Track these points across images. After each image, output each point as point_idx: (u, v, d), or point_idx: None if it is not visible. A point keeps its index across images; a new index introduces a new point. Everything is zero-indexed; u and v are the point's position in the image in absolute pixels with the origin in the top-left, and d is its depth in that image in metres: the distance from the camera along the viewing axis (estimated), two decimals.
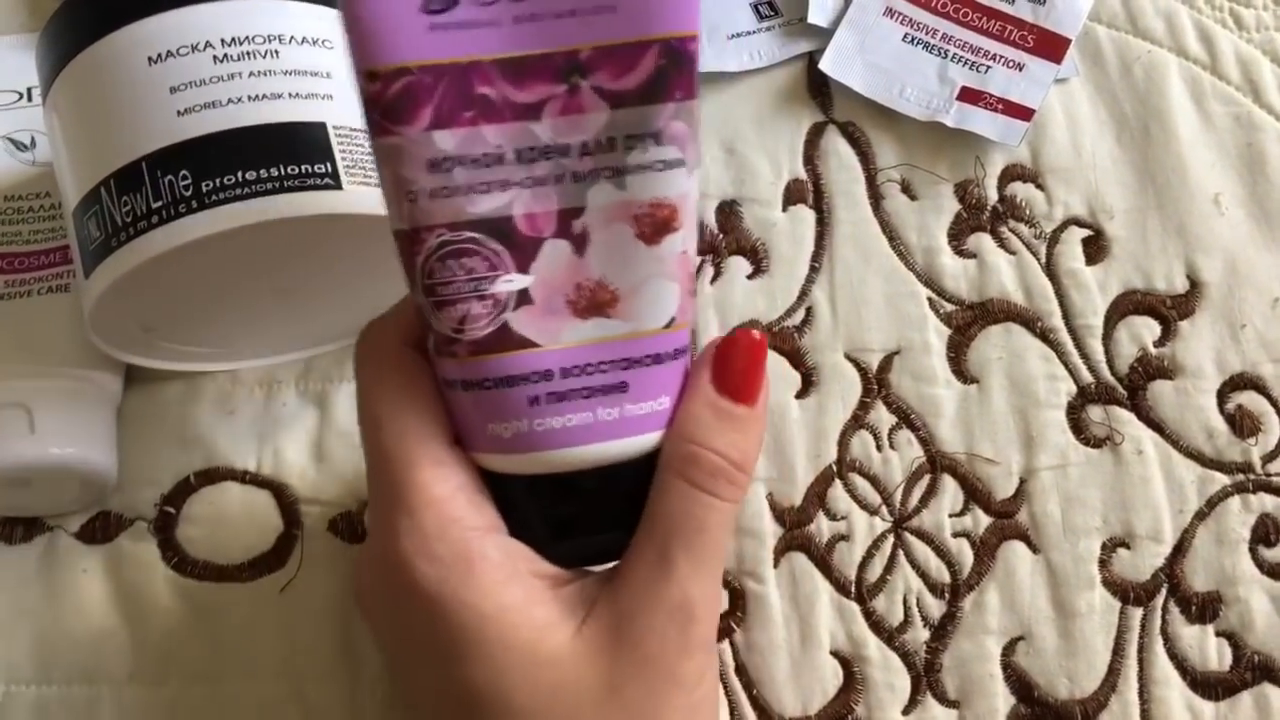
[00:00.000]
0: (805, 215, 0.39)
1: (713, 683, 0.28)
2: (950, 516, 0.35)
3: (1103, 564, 0.34)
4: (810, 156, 0.39)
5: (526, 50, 0.24)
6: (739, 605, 0.34)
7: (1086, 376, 0.36)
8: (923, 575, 0.35)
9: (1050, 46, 0.40)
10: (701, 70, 0.39)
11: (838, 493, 0.35)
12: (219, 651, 0.33)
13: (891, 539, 0.35)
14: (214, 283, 0.31)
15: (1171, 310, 0.37)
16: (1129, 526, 0.35)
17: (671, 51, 0.24)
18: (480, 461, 0.26)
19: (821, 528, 0.35)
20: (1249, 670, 0.34)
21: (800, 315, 0.37)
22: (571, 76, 0.24)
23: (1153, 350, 0.37)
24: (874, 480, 0.35)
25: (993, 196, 0.39)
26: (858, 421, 0.36)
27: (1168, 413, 0.36)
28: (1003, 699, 0.33)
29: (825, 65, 0.40)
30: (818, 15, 0.41)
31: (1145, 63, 0.40)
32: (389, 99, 0.24)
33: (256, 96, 0.29)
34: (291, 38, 0.29)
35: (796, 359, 0.37)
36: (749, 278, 0.38)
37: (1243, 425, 0.36)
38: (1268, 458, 0.35)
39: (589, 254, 0.25)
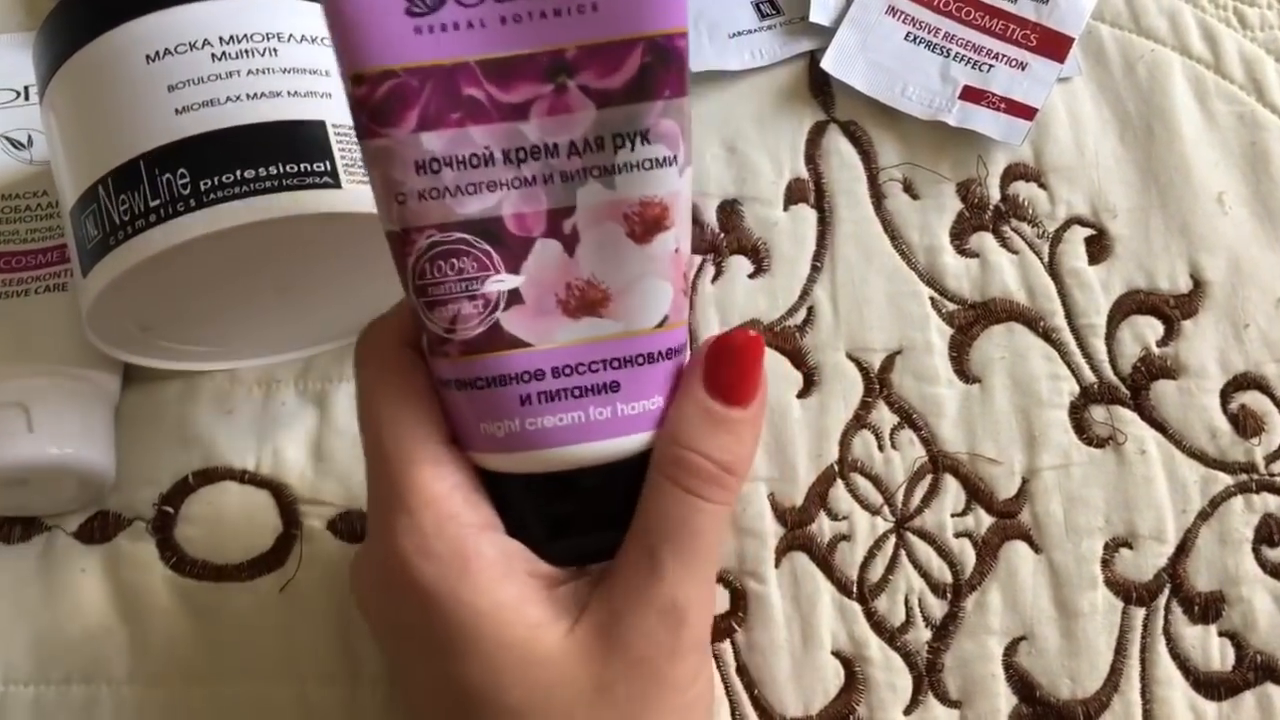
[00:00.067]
0: (807, 214, 0.39)
1: (707, 683, 0.28)
2: (952, 516, 0.35)
3: (1105, 564, 0.34)
4: (812, 155, 0.39)
5: (512, 51, 0.24)
6: (740, 605, 0.34)
7: (1089, 376, 0.36)
8: (924, 575, 0.34)
9: (1053, 45, 0.40)
10: (703, 69, 0.39)
11: (839, 492, 0.35)
12: (218, 651, 0.33)
13: (893, 539, 0.35)
14: (212, 281, 0.31)
15: (1174, 310, 0.37)
16: (1131, 526, 0.35)
17: (658, 49, 0.24)
18: (476, 460, 0.27)
19: (823, 528, 0.35)
20: (1252, 670, 0.33)
21: (802, 314, 0.37)
22: (558, 76, 0.24)
23: (1155, 350, 0.37)
24: (876, 480, 0.35)
25: (995, 196, 0.39)
26: (859, 421, 0.36)
27: (1171, 412, 0.36)
28: (1005, 699, 0.33)
29: (827, 64, 0.40)
30: (819, 14, 0.40)
31: (1148, 61, 0.40)
32: (376, 101, 0.24)
33: (255, 94, 0.28)
34: (290, 35, 0.29)
35: (798, 358, 0.37)
36: (750, 277, 0.38)
37: (1246, 425, 0.36)
38: (1271, 458, 0.35)
39: (579, 253, 0.25)
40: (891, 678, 0.33)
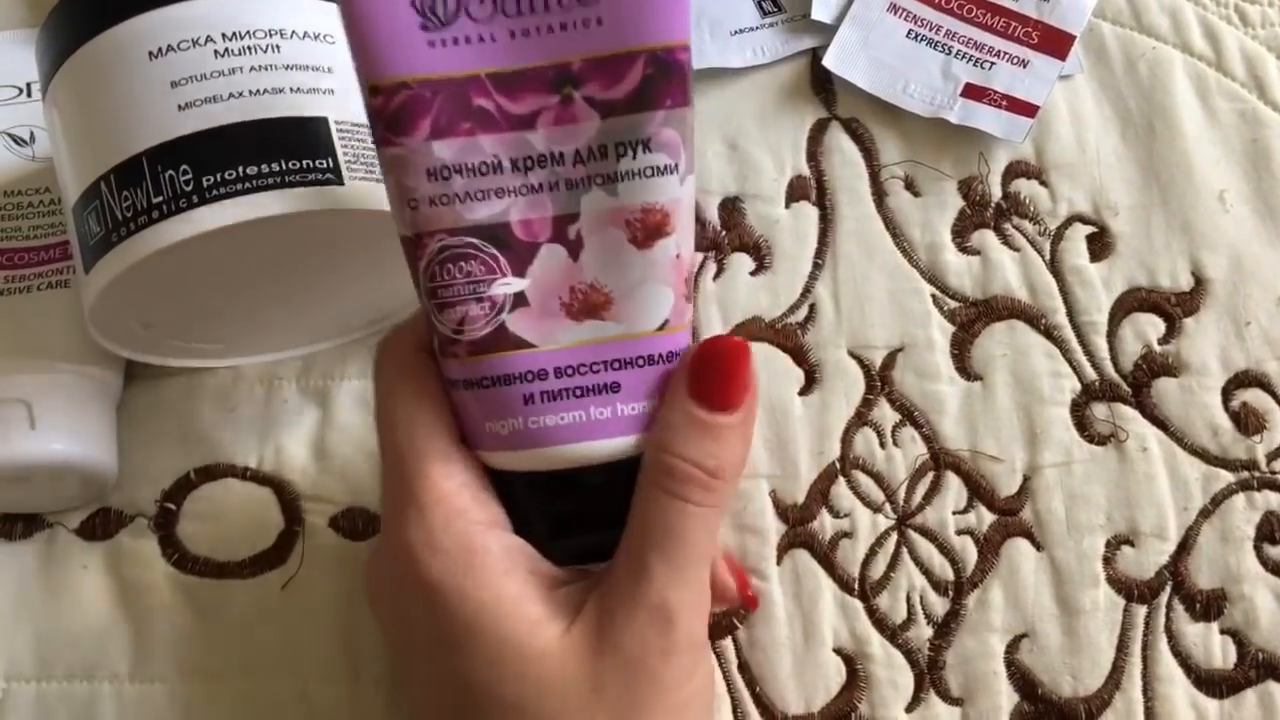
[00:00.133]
0: (808, 212, 0.39)
1: (703, 683, 0.28)
2: (954, 514, 0.35)
3: (1107, 561, 0.34)
4: (813, 153, 0.39)
5: (520, 64, 0.25)
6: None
7: (1091, 373, 0.36)
8: (926, 572, 0.34)
9: (1055, 43, 0.40)
10: (704, 66, 0.39)
11: (841, 490, 0.35)
12: (219, 648, 0.33)
13: (895, 536, 0.35)
14: (215, 278, 0.31)
15: (1176, 307, 0.37)
16: (1133, 524, 0.35)
17: (659, 61, 0.25)
18: (483, 459, 0.27)
19: (825, 525, 0.35)
20: (1253, 668, 0.33)
21: (803, 312, 0.37)
22: (564, 88, 0.25)
23: (1157, 347, 0.37)
24: (877, 477, 0.35)
25: (997, 193, 0.39)
26: (861, 418, 0.36)
27: (1172, 410, 0.36)
28: (1006, 696, 0.33)
29: (829, 61, 0.40)
30: (821, 11, 0.40)
31: (1150, 59, 0.40)
32: (391, 111, 0.25)
33: (257, 91, 0.28)
34: (293, 32, 0.29)
35: (799, 356, 0.37)
36: (752, 274, 0.38)
37: (1247, 422, 0.36)
38: (1272, 455, 0.35)
39: (583, 258, 0.26)
40: (893, 675, 0.33)
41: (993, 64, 0.39)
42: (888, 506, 0.35)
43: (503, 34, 0.25)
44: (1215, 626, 0.34)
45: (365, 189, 0.29)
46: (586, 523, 0.28)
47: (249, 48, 0.29)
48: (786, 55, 0.40)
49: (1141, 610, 0.34)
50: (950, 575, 0.34)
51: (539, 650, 0.26)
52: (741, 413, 0.27)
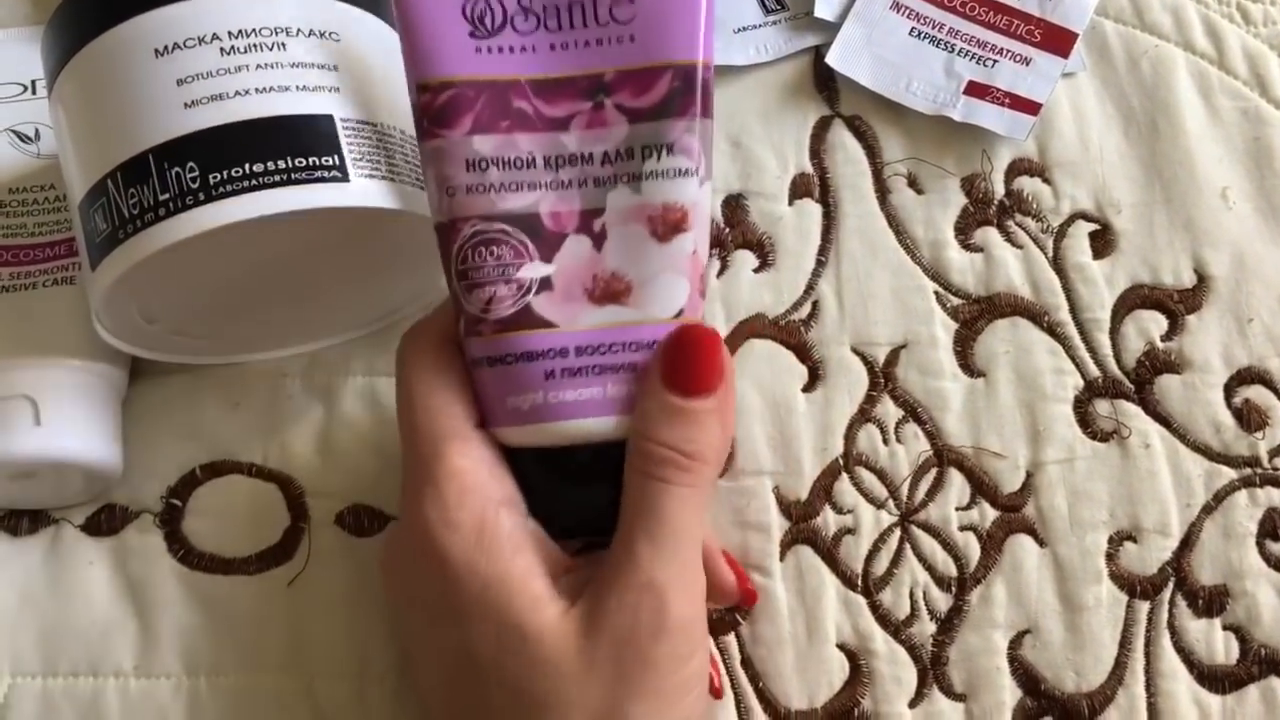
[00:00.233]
0: (811, 209, 0.39)
1: (697, 671, 0.28)
2: (957, 510, 0.35)
3: (1110, 557, 0.34)
4: (817, 150, 0.39)
5: (558, 72, 0.28)
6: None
7: (1093, 370, 0.36)
8: (929, 569, 0.34)
9: (1057, 41, 0.40)
10: None
11: (844, 486, 0.35)
12: (226, 644, 0.33)
13: (898, 532, 0.35)
14: (220, 275, 0.31)
15: (1179, 304, 0.37)
16: (1136, 520, 0.35)
17: (685, 76, 0.28)
18: (499, 436, 0.28)
19: (828, 521, 0.35)
20: (1256, 664, 0.34)
21: (806, 309, 0.37)
22: (597, 95, 0.28)
23: (1160, 344, 0.37)
24: (880, 474, 0.35)
25: (1000, 191, 0.39)
26: (864, 415, 0.36)
27: (1175, 407, 0.36)
28: (1009, 692, 0.33)
29: (832, 59, 0.40)
30: (824, 9, 0.41)
31: (1152, 57, 0.40)
32: (436, 107, 0.28)
33: (263, 89, 0.28)
34: (299, 30, 0.29)
35: (803, 352, 0.37)
36: (755, 271, 0.38)
37: (1250, 419, 0.36)
38: (1274, 451, 0.35)
39: (606, 249, 0.28)
40: (896, 671, 0.34)
41: (995, 62, 0.40)
42: (891, 503, 0.35)
43: (543, 45, 0.28)
44: (1218, 622, 0.34)
45: (371, 186, 0.29)
46: (597, 501, 0.29)
47: (254, 45, 0.29)
48: (789, 53, 0.41)
49: (1144, 606, 0.34)
50: (953, 571, 0.34)
51: (537, 629, 0.26)
52: (716, 397, 0.28)
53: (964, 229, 0.38)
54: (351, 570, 0.34)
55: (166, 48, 0.29)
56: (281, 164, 0.28)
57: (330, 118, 0.29)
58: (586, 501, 0.29)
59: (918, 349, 0.37)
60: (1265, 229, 0.38)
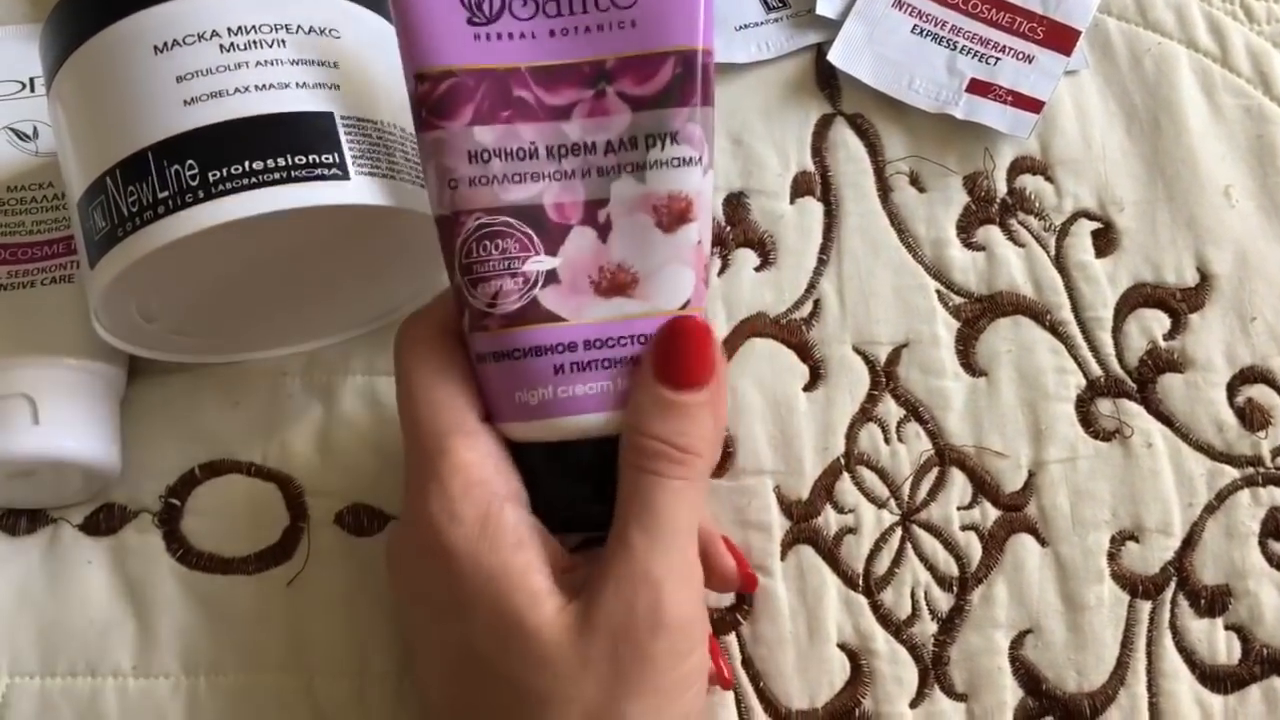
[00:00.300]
0: (813, 207, 0.38)
1: (696, 668, 0.28)
2: (958, 509, 0.35)
3: (1111, 557, 0.34)
4: (818, 148, 0.39)
5: (559, 60, 0.28)
6: (746, 598, 0.34)
7: (1096, 369, 0.36)
8: (931, 568, 0.34)
9: (1060, 38, 0.40)
10: None
11: (845, 486, 0.35)
12: (225, 644, 0.33)
13: (899, 532, 0.35)
14: (220, 273, 0.31)
15: (1181, 303, 0.37)
16: (1138, 520, 0.35)
17: (687, 63, 0.28)
18: (506, 432, 0.28)
19: (829, 521, 0.35)
20: (1258, 664, 0.33)
21: (808, 308, 0.37)
22: (598, 83, 0.28)
23: (1162, 343, 0.37)
24: (882, 473, 0.35)
25: (1002, 189, 0.39)
26: (866, 414, 0.36)
27: (1177, 406, 0.36)
28: (1011, 692, 0.33)
29: (834, 57, 0.40)
30: (826, 7, 0.40)
31: (1155, 55, 0.40)
32: (435, 98, 0.27)
33: (263, 86, 0.28)
34: (298, 27, 0.29)
35: (804, 351, 0.37)
36: (756, 270, 0.38)
37: (1252, 418, 0.36)
38: (1277, 451, 0.35)
39: (612, 240, 0.28)
40: (897, 671, 0.33)
41: (998, 59, 0.39)
42: (892, 502, 0.35)
43: (543, 32, 0.28)
44: (1220, 622, 0.34)
45: (371, 184, 0.29)
46: (604, 496, 0.29)
47: (254, 42, 0.29)
48: (791, 50, 0.40)
49: (1146, 606, 0.34)
50: (955, 571, 0.34)
51: (534, 624, 0.26)
52: (708, 390, 0.28)
53: (966, 227, 0.38)
54: (351, 569, 0.34)
55: (166, 44, 0.28)
56: (281, 161, 0.28)
57: (330, 115, 0.29)
58: (593, 496, 0.29)
59: (919, 348, 0.37)
60: (1268, 227, 0.38)
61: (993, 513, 0.35)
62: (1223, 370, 0.36)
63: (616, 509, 0.28)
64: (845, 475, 0.35)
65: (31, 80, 0.37)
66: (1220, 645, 0.34)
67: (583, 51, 0.28)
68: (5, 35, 0.39)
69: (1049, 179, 0.39)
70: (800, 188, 0.39)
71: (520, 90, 0.28)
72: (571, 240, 0.28)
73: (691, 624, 0.27)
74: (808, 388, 0.36)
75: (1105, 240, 0.38)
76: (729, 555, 0.32)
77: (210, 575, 0.34)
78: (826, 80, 0.40)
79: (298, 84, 0.29)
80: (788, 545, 0.35)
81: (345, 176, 0.28)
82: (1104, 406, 0.36)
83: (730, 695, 0.33)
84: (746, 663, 0.34)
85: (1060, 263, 0.38)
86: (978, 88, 0.39)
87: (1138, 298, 0.37)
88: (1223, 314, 0.37)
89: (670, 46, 0.28)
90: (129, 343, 0.33)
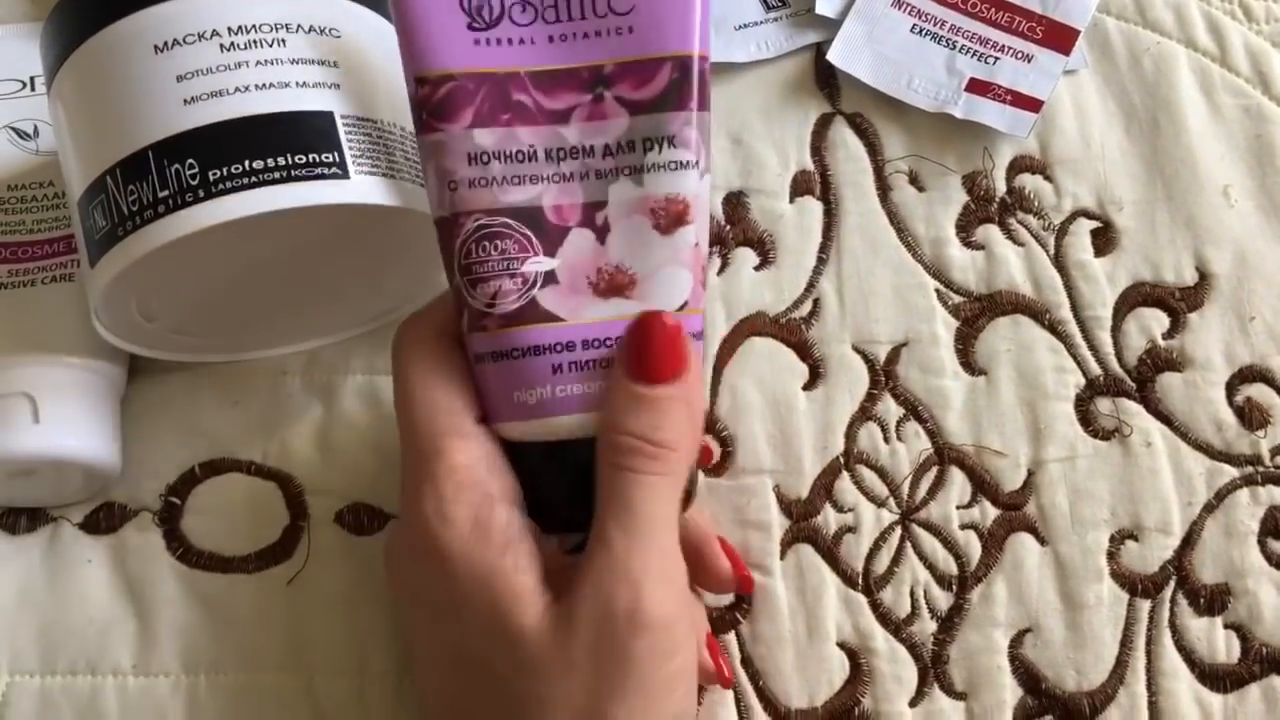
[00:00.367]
0: (813, 206, 0.39)
1: (682, 667, 0.28)
2: (958, 508, 0.35)
3: (1111, 556, 0.34)
4: (818, 147, 0.39)
5: (558, 64, 0.28)
6: (745, 597, 0.34)
7: (1095, 368, 0.36)
8: (930, 567, 0.34)
9: (1059, 38, 0.40)
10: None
11: (845, 484, 0.35)
12: (225, 643, 0.33)
13: (899, 531, 0.35)
14: (220, 272, 0.31)
15: (1180, 302, 0.37)
16: (1137, 519, 0.35)
17: (684, 68, 0.28)
18: (504, 432, 0.28)
19: (829, 520, 0.35)
20: (1257, 662, 0.33)
21: (807, 307, 0.37)
22: (597, 87, 0.28)
23: (1161, 342, 0.37)
24: (881, 472, 0.35)
25: (1001, 188, 0.39)
26: (865, 413, 0.36)
27: (1176, 405, 0.36)
28: (1010, 691, 0.33)
29: (833, 56, 0.40)
30: (825, 6, 0.40)
31: (1154, 54, 0.40)
32: (435, 101, 0.28)
33: (263, 85, 0.28)
34: (299, 26, 0.29)
35: (804, 351, 0.37)
36: (756, 269, 0.38)
37: (1251, 417, 0.36)
38: (1276, 450, 0.35)
39: (610, 242, 0.28)
40: (897, 669, 0.33)
41: (997, 59, 0.39)
42: (891, 501, 0.35)
43: (542, 37, 0.28)
44: (1219, 621, 0.34)
45: (371, 183, 0.29)
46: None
47: (254, 42, 0.29)
48: (790, 50, 0.40)
49: (1145, 605, 0.34)
50: (954, 570, 0.34)
51: (519, 625, 0.26)
52: (681, 385, 0.28)
53: (965, 226, 0.38)
54: (351, 569, 0.34)
55: (166, 44, 0.28)
56: (281, 161, 0.28)
57: (330, 114, 0.29)
58: (590, 496, 0.29)
59: (919, 347, 0.37)
60: (1267, 226, 0.38)
61: (992, 512, 0.35)
62: (1222, 369, 0.36)
63: (596, 508, 0.28)
64: (845, 474, 0.35)
65: (32, 79, 0.37)
66: (1219, 644, 0.34)
67: (581, 57, 0.28)
68: (5, 34, 0.39)
69: (1048, 178, 0.39)
70: (800, 187, 0.39)
71: (519, 94, 0.28)
72: (570, 242, 0.28)
73: (673, 622, 0.27)
74: (807, 387, 0.36)
75: (1104, 239, 0.38)
76: (724, 557, 0.32)
77: (210, 574, 0.34)
78: (826, 79, 0.40)
79: (298, 83, 0.29)
80: (787, 544, 0.35)
81: (345, 176, 0.28)
82: (1103, 405, 0.36)
83: (730, 694, 0.33)
84: (746, 662, 0.34)
85: (1059, 262, 0.38)
86: (977, 87, 0.39)
87: (1137, 297, 0.37)
88: (1221, 313, 0.37)
89: (667, 52, 0.28)
90: (129, 342, 0.33)
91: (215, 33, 0.28)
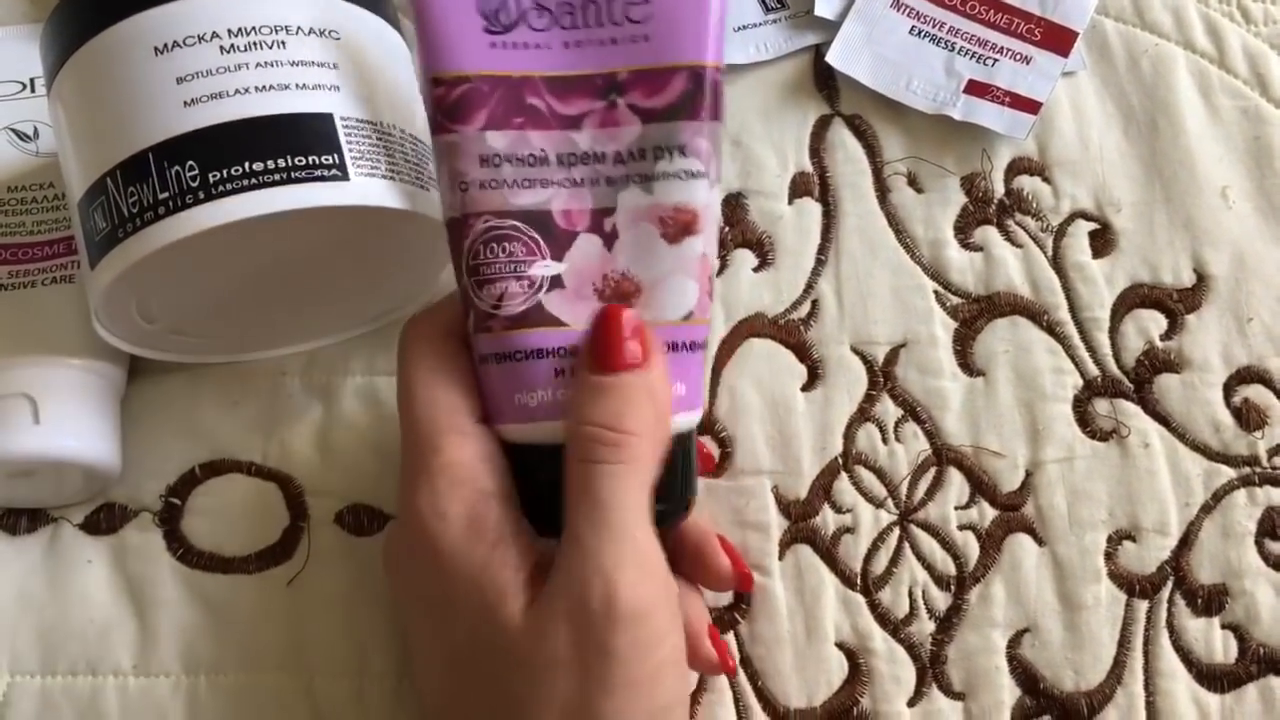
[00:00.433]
0: (811, 208, 0.39)
1: (668, 659, 0.27)
2: (956, 509, 0.35)
3: (1108, 557, 0.34)
4: (816, 149, 0.39)
5: (572, 70, 0.29)
6: (744, 597, 0.34)
7: (1093, 370, 0.36)
8: (928, 568, 0.35)
9: (1057, 40, 0.40)
10: None
11: (843, 485, 0.35)
12: (225, 643, 0.33)
13: (897, 531, 0.35)
14: (220, 274, 0.31)
15: (1178, 303, 0.37)
16: (1135, 519, 0.35)
17: (698, 78, 0.28)
18: (505, 433, 0.28)
19: (827, 520, 0.35)
20: (1254, 663, 0.34)
21: (806, 308, 0.37)
22: (610, 94, 0.28)
23: (1159, 343, 0.37)
24: (880, 473, 0.35)
25: (999, 189, 0.39)
26: (864, 414, 0.36)
27: (1174, 406, 0.36)
28: (1008, 691, 0.33)
29: (832, 58, 0.40)
30: (824, 8, 0.40)
31: (1153, 56, 0.40)
32: (450, 102, 0.28)
33: (263, 87, 0.28)
34: (299, 28, 0.29)
35: (802, 352, 0.37)
36: (755, 270, 0.38)
37: (1249, 418, 0.36)
38: (1273, 451, 0.35)
39: (617, 249, 0.28)
40: (895, 670, 0.34)
41: (996, 60, 0.40)
42: (890, 502, 0.35)
43: (558, 43, 0.29)
44: (1216, 621, 0.34)
45: (370, 185, 0.29)
46: None
47: (254, 44, 0.29)
48: (790, 51, 0.40)
49: (1143, 605, 0.34)
50: (952, 570, 0.34)
51: (503, 623, 0.26)
52: (642, 374, 0.28)
53: (964, 228, 0.38)
54: (351, 569, 0.34)
55: (166, 46, 0.28)
56: (281, 162, 0.28)
57: (330, 116, 0.29)
58: None
59: (917, 348, 0.37)
60: (1265, 228, 0.38)
61: (990, 512, 0.35)
62: (1219, 370, 0.36)
63: (565, 506, 0.27)
64: (843, 475, 0.35)
65: (32, 81, 0.37)
66: (1217, 644, 0.34)
67: (595, 63, 0.28)
68: (5, 35, 0.39)
69: (1046, 180, 0.39)
70: (798, 188, 0.39)
71: (533, 98, 0.28)
72: (578, 247, 0.28)
73: (653, 612, 0.27)
74: (806, 388, 0.36)
75: (1102, 241, 0.38)
76: (724, 555, 0.32)
77: (211, 574, 0.34)
78: (825, 81, 0.40)
79: (298, 85, 0.29)
80: (786, 545, 0.35)
81: (345, 177, 0.28)
82: (1101, 406, 0.36)
83: (729, 695, 0.33)
84: (745, 662, 0.34)
85: (1057, 263, 0.38)
86: (975, 89, 0.39)
87: (1135, 298, 0.37)
88: (1219, 314, 0.37)
89: (682, 61, 0.28)
90: (129, 343, 0.33)
91: (215, 35, 0.28)
